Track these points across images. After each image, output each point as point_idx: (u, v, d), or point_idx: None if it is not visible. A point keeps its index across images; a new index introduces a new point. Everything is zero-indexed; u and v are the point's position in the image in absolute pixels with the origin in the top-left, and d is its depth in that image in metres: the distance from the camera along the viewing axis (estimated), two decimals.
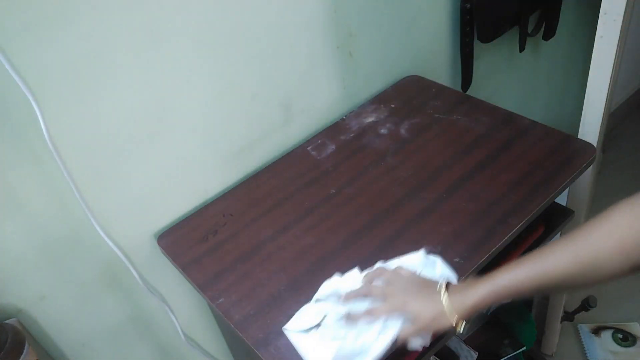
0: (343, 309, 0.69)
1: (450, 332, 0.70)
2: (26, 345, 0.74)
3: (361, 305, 0.69)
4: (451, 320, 0.64)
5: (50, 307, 0.86)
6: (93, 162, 0.81)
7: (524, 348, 1.26)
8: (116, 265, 0.90)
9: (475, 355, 1.13)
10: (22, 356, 0.73)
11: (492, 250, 0.77)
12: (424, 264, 0.74)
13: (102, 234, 0.84)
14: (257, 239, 0.87)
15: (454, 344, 1.17)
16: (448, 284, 0.67)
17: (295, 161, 1.02)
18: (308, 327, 0.69)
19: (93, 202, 0.82)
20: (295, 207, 0.92)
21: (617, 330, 1.60)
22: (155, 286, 0.98)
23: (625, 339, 1.58)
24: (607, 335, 1.60)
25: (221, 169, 0.98)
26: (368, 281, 0.73)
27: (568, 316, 1.51)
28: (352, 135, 1.06)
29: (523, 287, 0.62)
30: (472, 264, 0.76)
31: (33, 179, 0.76)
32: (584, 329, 1.62)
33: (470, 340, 1.25)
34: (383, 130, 1.05)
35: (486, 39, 1.28)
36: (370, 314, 0.68)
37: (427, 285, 0.69)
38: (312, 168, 0.99)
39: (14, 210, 0.76)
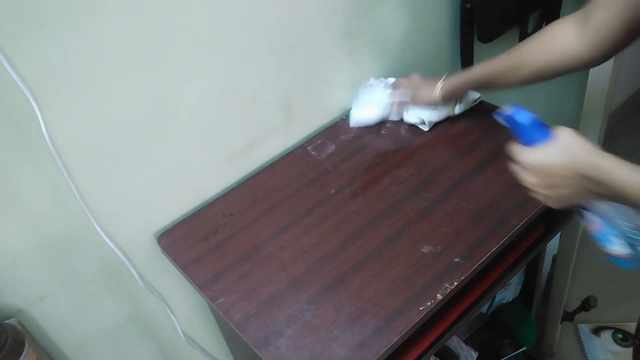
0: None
1: (434, 104, 0.98)
2: (26, 345, 0.74)
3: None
4: (435, 94, 0.95)
5: (50, 307, 0.86)
6: (93, 162, 0.81)
7: (524, 348, 1.26)
8: (116, 265, 0.90)
9: (475, 355, 1.13)
10: (22, 356, 0.73)
11: (492, 250, 0.77)
12: None
13: (102, 234, 0.84)
14: (257, 238, 0.87)
15: (453, 344, 1.17)
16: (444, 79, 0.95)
17: (295, 161, 1.02)
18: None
19: (93, 202, 0.82)
20: (296, 207, 0.92)
21: (617, 330, 1.60)
22: (155, 286, 0.98)
23: (625, 339, 1.58)
24: (607, 335, 1.60)
25: (221, 169, 0.98)
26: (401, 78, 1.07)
27: (568, 316, 1.51)
28: (352, 135, 1.06)
29: (479, 78, 0.89)
30: (473, 264, 0.76)
31: (33, 179, 0.76)
32: (584, 329, 1.62)
33: (470, 340, 1.25)
34: (383, 131, 1.05)
35: (486, 39, 1.28)
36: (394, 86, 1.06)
37: (431, 80, 0.99)
38: (312, 168, 0.99)
39: (13, 210, 0.76)
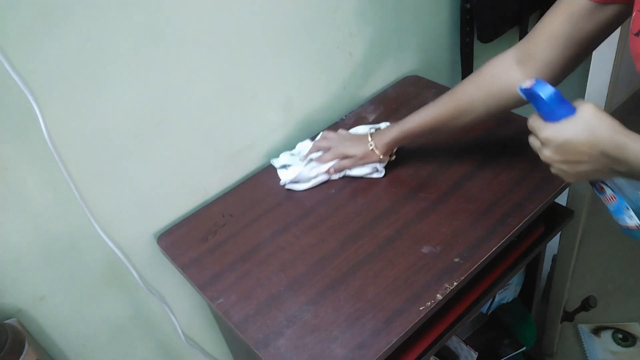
0: (304, 161, 0.98)
1: (379, 162, 0.93)
2: (26, 345, 0.74)
3: (315, 155, 0.97)
4: (378, 154, 0.90)
5: (50, 307, 0.86)
6: (93, 162, 0.81)
7: (524, 348, 1.26)
8: (116, 265, 0.90)
9: (475, 355, 1.12)
10: (22, 356, 0.73)
11: (492, 250, 0.77)
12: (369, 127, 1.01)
13: (102, 234, 0.84)
14: (257, 239, 0.87)
15: (453, 344, 1.17)
16: (372, 134, 0.92)
17: None
18: (285, 164, 0.99)
19: (93, 202, 0.82)
20: (295, 207, 0.92)
21: (617, 330, 1.60)
22: (155, 286, 0.98)
23: (625, 339, 1.58)
24: (607, 335, 1.60)
25: (221, 169, 0.98)
26: (317, 141, 0.99)
27: (568, 316, 1.51)
28: None
29: (421, 128, 0.85)
30: (472, 264, 0.76)
31: (33, 179, 0.76)
32: (584, 329, 1.62)
33: (470, 340, 1.25)
34: None
35: (486, 39, 1.28)
36: (319, 160, 0.95)
37: (359, 137, 0.94)
38: None
39: (13, 210, 0.76)
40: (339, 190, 0.93)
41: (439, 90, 1.13)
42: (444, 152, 0.96)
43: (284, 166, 0.99)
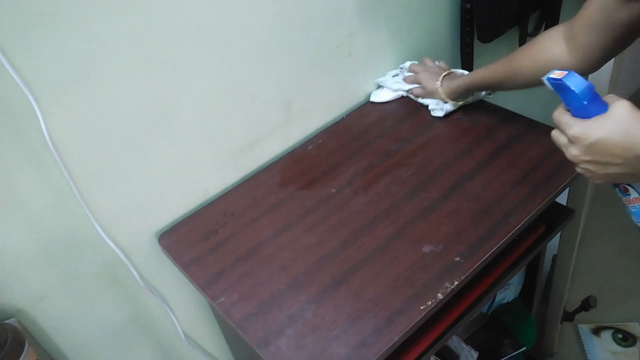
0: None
1: (444, 102, 1.04)
2: (26, 345, 0.74)
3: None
4: (441, 94, 1.01)
5: (50, 307, 0.86)
6: (93, 162, 0.81)
7: (524, 348, 1.26)
8: (116, 265, 0.90)
9: (475, 355, 1.12)
10: (22, 356, 0.73)
11: (492, 250, 0.77)
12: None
13: (102, 233, 0.84)
14: (258, 238, 0.87)
15: (454, 344, 1.17)
16: (446, 75, 1.01)
17: (295, 161, 1.02)
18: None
19: (93, 202, 0.82)
20: (296, 206, 0.92)
21: (617, 330, 1.61)
22: (155, 286, 0.98)
23: (625, 339, 1.59)
24: (607, 335, 1.60)
25: (222, 169, 0.98)
26: (413, 63, 1.14)
27: (568, 316, 1.52)
28: (352, 135, 1.06)
29: (481, 83, 0.93)
30: (473, 263, 0.76)
31: (33, 179, 0.76)
32: (584, 329, 1.62)
33: (470, 340, 1.25)
34: (383, 130, 1.05)
35: (486, 39, 1.28)
36: (405, 80, 1.12)
37: (438, 73, 1.03)
38: (313, 168, 0.99)
39: (14, 210, 0.76)
40: (340, 189, 0.93)
41: None
42: (445, 151, 0.96)
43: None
